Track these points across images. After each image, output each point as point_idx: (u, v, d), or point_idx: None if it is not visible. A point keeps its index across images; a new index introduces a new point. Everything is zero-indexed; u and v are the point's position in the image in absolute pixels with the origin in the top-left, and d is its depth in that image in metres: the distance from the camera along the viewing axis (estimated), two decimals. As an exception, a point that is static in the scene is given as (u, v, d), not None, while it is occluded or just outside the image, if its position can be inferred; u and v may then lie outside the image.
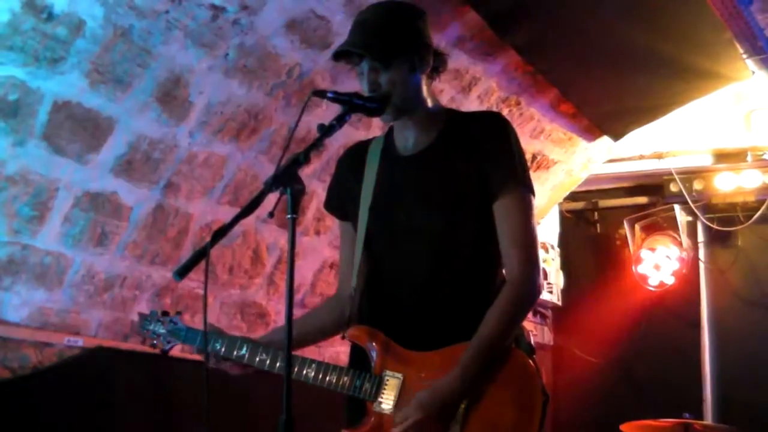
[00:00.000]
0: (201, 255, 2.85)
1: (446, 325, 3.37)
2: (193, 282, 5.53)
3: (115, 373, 5.16)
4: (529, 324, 9.18)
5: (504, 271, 3.44)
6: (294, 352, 3.39)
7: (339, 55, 3.41)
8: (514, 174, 3.41)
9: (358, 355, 3.47)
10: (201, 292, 5.54)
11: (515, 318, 3.36)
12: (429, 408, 3.19)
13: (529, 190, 3.44)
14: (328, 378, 3.37)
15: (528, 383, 3.31)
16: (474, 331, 3.28)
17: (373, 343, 3.40)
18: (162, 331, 3.72)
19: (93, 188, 4.83)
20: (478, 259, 3.45)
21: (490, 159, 3.39)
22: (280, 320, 6.13)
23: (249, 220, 5.68)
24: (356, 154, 3.71)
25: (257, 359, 3.49)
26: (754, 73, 7.03)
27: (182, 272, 2.86)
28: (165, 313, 3.76)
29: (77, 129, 4.59)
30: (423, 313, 3.39)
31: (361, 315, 3.54)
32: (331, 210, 3.81)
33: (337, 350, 6.09)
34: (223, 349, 3.53)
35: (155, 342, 3.74)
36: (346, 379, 3.37)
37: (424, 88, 3.49)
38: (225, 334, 3.57)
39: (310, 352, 3.58)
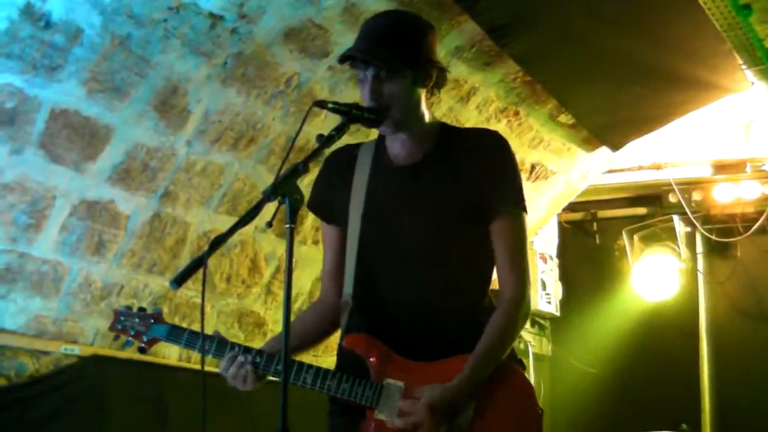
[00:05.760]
0: (198, 264, 2.82)
1: (441, 337, 3.39)
2: (190, 291, 5.52)
3: (111, 381, 5.15)
4: (528, 334, 9.16)
5: (499, 286, 3.48)
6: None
7: (344, 59, 3.41)
8: (513, 195, 3.47)
9: (348, 363, 3.43)
10: (199, 300, 5.52)
11: (513, 333, 3.41)
12: (438, 404, 3.19)
13: (524, 209, 3.50)
14: (327, 383, 3.35)
15: (526, 398, 3.40)
16: (466, 344, 3.32)
17: (373, 352, 3.38)
18: (141, 328, 3.58)
19: (90, 196, 4.82)
20: (472, 273, 3.51)
21: (491, 179, 3.43)
22: (279, 329, 6.11)
23: (247, 230, 5.67)
24: (344, 157, 3.64)
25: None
26: (753, 83, 7.02)
27: (179, 281, 2.82)
28: (141, 309, 3.63)
29: (74, 137, 4.58)
30: (419, 325, 3.40)
31: (357, 323, 3.52)
32: (316, 212, 3.71)
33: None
34: (213, 351, 3.45)
35: (130, 339, 3.60)
36: (346, 385, 3.34)
37: (423, 103, 3.48)
38: (215, 336, 3.50)
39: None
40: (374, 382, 3.34)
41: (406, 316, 3.41)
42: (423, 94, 3.46)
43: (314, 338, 3.68)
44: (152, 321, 3.60)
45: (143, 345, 3.60)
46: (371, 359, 3.37)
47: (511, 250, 3.44)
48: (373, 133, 3.54)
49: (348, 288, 3.53)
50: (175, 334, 3.56)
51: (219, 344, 3.44)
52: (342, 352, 3.50)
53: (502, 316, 3.38)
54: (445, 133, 3.55)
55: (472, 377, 3.25)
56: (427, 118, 3.50)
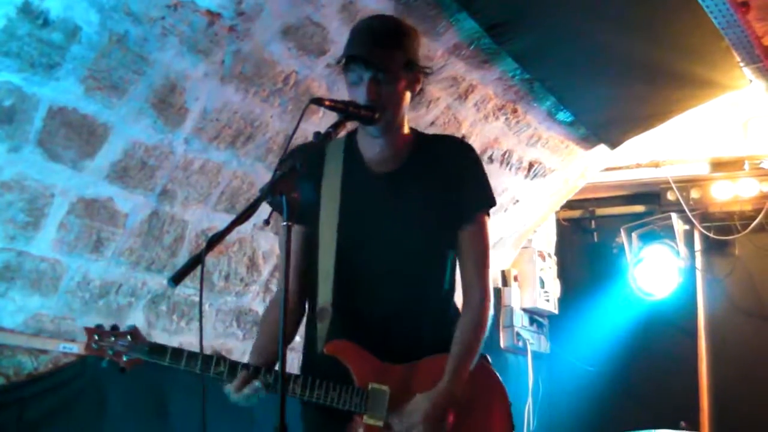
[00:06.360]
0: (196, 261, 2.82)
1: (417, 340, 3.50)
2: (188, 289, 5.51)
3: (110, 380, 5.13)
4: (526, 332, 9.16)
5: (465, 289, 3.60)
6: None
7: (345, 59, 3.42)
8: (482, 203, 3.63)
9: (329, 369, 3.46)
10: (197, 299, 5.53)
11: (484, 333, 3.53)
12: (435, 411, 3.29)
13: (488, 214, 3.66)
14: (316, 392, 3.38)
15: (496, 392, 3.57)
16: (439, 345, 3.45)
17: (355, 357, 3.45)
18: (120, 348, 3.51)
19: (88, 194, 4.82)
20: (444, 277, 3.62)
21: (463, 188, 3.57)
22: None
23: (245, 227, 5.68)
24: (312, 153, 3.58)
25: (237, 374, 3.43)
26: (751, 81, 7.02)
27: (177, 279, 2.81)
28: (114, 327, 3.55)
29: (72, 135, 4.58)
30: (397, 329, 3.49)
31: (337, 330, 3.53)
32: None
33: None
34: (198, 366, 3.43)
35: (108, 358, 3.51)
36: (334, 393, 3.39)
37: (406, 109, 3.55)
38: (197, 353, 3.45)
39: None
40: (359, 388, 3.40)
41: (386, 321, 3.50)
42: (409, 99, 3.52)
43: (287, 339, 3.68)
44: (129, 339, 3.53)
45: (123, 365, 3.53)
46: (354, 365, 3.44)
47: (477, 256, 3.59)
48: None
49: (326, 295, 3.54)
50: (157, 352, 3.50)
51: (205, 359, 3.44)
52: (323, 359, 3.50)
53: (473, 318, 3.52)
54: (418, 141, 3.63)
55: (456, 381, 3.36)
56: (405, 126, 3.59)
